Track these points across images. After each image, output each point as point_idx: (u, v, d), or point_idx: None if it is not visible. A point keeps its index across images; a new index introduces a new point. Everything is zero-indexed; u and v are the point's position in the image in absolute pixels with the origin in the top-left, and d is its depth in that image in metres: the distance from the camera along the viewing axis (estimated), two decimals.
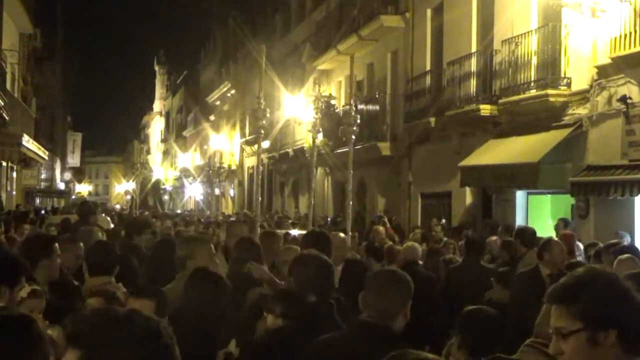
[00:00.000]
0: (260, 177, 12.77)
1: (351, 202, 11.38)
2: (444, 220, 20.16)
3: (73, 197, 72.96)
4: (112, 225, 17.48)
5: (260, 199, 11.70)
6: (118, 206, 75.96)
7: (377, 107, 26.21)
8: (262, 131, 11.01)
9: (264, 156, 43.49)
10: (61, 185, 65.95)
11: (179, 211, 51.62)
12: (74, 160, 77.37)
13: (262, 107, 10.56)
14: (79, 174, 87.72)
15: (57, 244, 6.75)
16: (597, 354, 2.90)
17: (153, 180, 73.28)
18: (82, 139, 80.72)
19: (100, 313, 2.32)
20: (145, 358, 2.21)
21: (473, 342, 4.73)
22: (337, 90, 31.18)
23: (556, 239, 9.23)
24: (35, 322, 3.00)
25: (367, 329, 4.58)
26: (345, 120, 11.33)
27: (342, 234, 9.71)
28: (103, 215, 25.78)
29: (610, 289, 2.96)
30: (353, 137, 10.90)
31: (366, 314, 4.77)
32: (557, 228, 14.36)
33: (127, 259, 8.11)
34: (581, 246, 12.79)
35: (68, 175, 73.84)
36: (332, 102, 24.71)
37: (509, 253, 11.20)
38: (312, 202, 12.01)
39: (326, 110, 29.31)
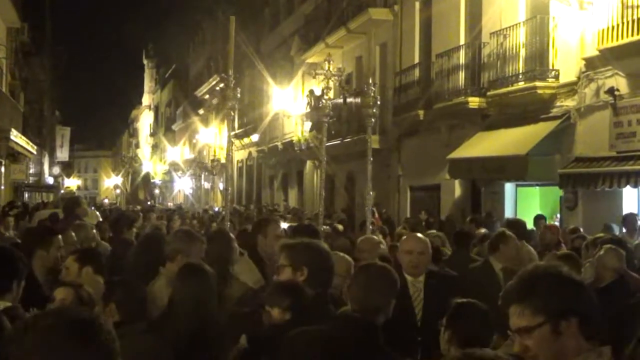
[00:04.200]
0: (237, 162, 12.45)
1: (371, 192, 10.86)
2: (423, 213, 20.33)
3: (62, 191, 72.73)
4: (100, 219, 17.43)
5: (229, 189, 11.36)
6: (106, 200, 75.83)
7: None
8: (233, 112, 10.45)
9: (253, 149, 43.52)
10: (50, 180, 65.72)
11: (170, 204, 51.52)
12: (62, 154, 77.21)
13: (232, 85, 10.04)
14: (68, 169, 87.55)
15: (58, 237, 6.88)
16: (561, 344, 2.99)
17: (143, 173, 73.12)
18: (71, 133, 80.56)
19: (32, 315, 2.42)
20: (75, 349, 2.24)
21: (464, 336, 4.72)
22: (325, 84, 31.13)
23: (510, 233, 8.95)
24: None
25: (350, 322, 4.54)
26: (363, 102, 10.80)
27: (376, 237, 9.15)
28: (92, 208, 25.71)
29: (564, 279, 3.07)
30: (373, 120, 10.52)
31: (350, 307, 4.74)
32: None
33: (118, 255, 8.14)
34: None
35: (57, 170, 73.62)
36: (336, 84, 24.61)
37: None
38: (323, 194, 11.36)
39: (315, 103, 29.39)
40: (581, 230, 13.35)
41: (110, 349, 2.30)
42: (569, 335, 2.98)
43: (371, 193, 10.75)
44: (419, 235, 7.45)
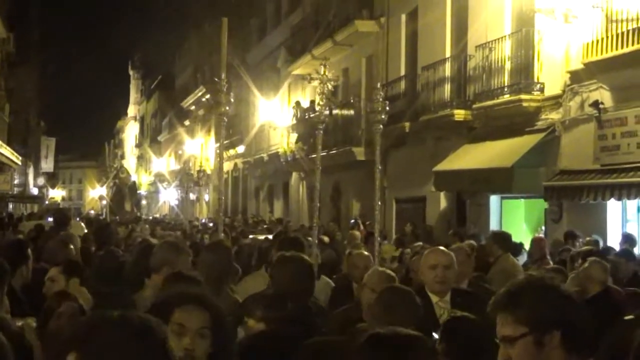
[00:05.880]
0: (226, 173, 12.27)
1: (379, 203, 10.49)
2: (409, 225, 20.33)
3: (46, 202, 72.45)
4: (85, 231, 17.38)
5: (222, 198, 11.12)
6: (92, 212, 75.47)
7: (352, 112, 26.26)
8: (226, 119, 10.25)
9: (238, 161, 43.50)
10: (34, 191, 65.49)
11: (156, 215, 51.37)
12: (47, 165, 76.97)
13: (225, 89, 9.85)
14: (53, 179, 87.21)
15: (29, 250, 6.90)
16: (544, 357, 3.01)
17: (130, 182, 72.79)
18: (56, 143, 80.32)
19: (95, 315, 2.39)
20: (139, 354, 2.25)
21: (459, 351, 4.72)
22: (312, 95, 31.22)
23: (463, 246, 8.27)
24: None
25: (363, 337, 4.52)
26: (372, 107, 10.49)
27: (366, 253, 8.91)
28: (77, 219, 25.62)
29: (551, 292, 3.09)
30: (381, 126, 10.35)
31: (368, 324, 4.74)
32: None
33: (104, 264, 8.13)
34: None
35: (41, 181, 73.38)
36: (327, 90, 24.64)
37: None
38: (317, 204, 11.03)
39: (301, 115, 29.47)
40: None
41: (170, 356, 2.33)
42: (551, 347, 3.00)
43: (379, 203, 10.55)
44: (443, 248, 6.87)
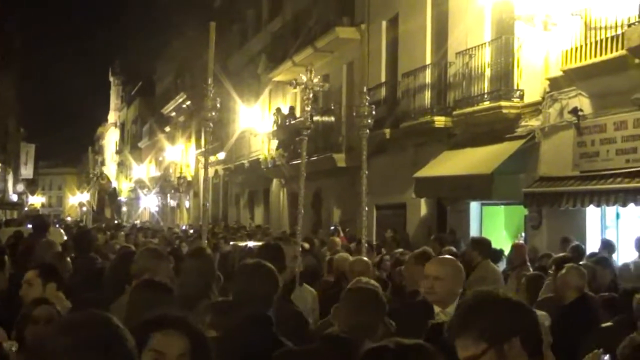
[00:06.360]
0: (203, 180, 12.13)
1: (365, 207, 10.31)
2: (389, 231, 20.30)
3: (26, 209, 72.04)
4: (65, 238, 17.27)
5: (208, 204, 11.09)
6: (69, 218, 75.13)
7: (333, 119, 26.27)
8: (212, 124, 10.14)
9: (219, 167, 43.41)
10: (14, 197, 65.12)
11: (137, 222, 51.21)
12: (27, 171, 76.61)
13: (211, 94, 9.75)
14: (32, 186, 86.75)
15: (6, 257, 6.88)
16: None
17: (110, 189, 72.62)
18: (36, 149, 79.96)
19: (64, 318, 2.42)
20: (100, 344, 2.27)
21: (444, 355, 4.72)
22: (292, 102, 31.25)
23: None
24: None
25: (336, 342, 4.53)
26: (358, 111, 10.33)
27: (365, 258, 8.77)
28: (57, 226, 25.48)
29: (501, 303, 3.12)
30: (367, 131, 10.26)
31: (337, 328, 4.73)
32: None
33: (82, 270, 8.09)
34: None
35: (21, 187, 72.96)
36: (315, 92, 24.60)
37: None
38: (302, 211, 10.77)
39: (282, 122, 29.46)
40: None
41: (131, 350, 2.37)
42: (513, 355, 3.02)
43: (366, 208, 10.54)
44: (444, 257, 6.66)
